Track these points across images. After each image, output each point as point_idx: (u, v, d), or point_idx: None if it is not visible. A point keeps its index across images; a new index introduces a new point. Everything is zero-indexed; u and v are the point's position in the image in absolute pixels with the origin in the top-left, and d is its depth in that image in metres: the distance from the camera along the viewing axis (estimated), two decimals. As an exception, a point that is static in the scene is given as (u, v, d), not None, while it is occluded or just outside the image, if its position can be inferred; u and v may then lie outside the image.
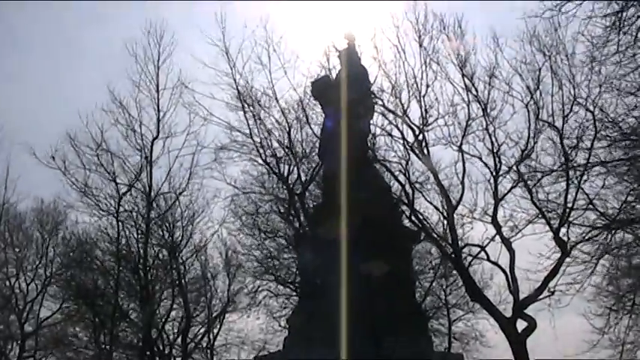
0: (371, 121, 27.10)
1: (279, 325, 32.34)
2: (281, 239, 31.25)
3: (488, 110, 26.74)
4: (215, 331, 33.41)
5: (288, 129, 29.67)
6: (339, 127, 26.61)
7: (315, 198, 29.87)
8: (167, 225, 30.81)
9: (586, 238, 25.92)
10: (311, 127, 28.96)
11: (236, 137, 30.00)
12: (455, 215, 26.93)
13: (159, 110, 30.71)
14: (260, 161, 30.47)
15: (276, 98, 29.86)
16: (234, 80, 29.70)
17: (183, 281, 31.21)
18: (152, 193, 30.28)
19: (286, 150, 29.75)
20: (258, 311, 33.51)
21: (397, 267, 25.48)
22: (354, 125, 26.55)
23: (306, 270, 27.66)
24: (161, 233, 31.05)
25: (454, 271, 32.28)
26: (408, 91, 27.18)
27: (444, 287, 35.54)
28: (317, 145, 28.42)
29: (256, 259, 31.97)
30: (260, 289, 32.92)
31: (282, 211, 30.97)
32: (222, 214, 32.65)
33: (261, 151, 29.95)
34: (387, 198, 27.29)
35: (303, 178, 30.04)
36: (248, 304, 33.29)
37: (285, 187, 30.33)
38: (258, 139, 29.88)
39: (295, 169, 30.00)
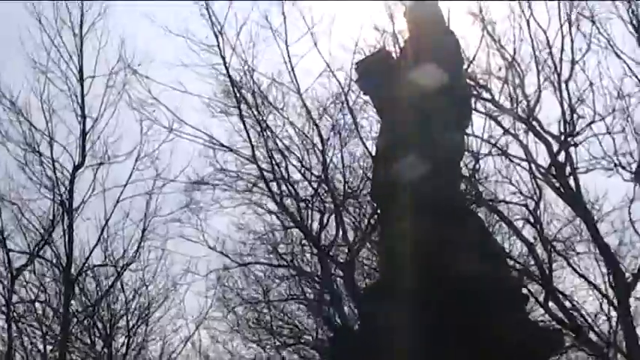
0: (469, 132, 16.78)
1: None
2: (311, 348, 19.10)
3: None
4: None
5: (321, 146, 18.35)
6: (410, 144, 16.08)
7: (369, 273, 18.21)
8: (96, 329, 18.71)
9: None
10: (363, 142, 18.34)
11: (225, 163, 18.30)
12: (632, 300, 17.16)
13: (84, 118, 18.48)
14: (271, 205, 18.77)
15: (298, 91, 18.47)
16: (223, 60, 18.33)
17: None
18: (73, 268, 18.08)
19: (319, 183, 18.13)
20: None
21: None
22: (440, 140, 15.84)
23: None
24: (88, 340, 18.95)
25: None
26: (538, 75, 17.69)
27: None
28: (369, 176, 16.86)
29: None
30: None
31: (310, 296, 18.95)
32: (200, 306, 20.70)
33: (269, 184, 18.17)
34: (505, 276, 17.07)
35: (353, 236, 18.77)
36: None
37: (315, 251, 18.39)
38: (263, 166, 18.29)
39: (329, 218, 18.46)
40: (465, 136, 16.61)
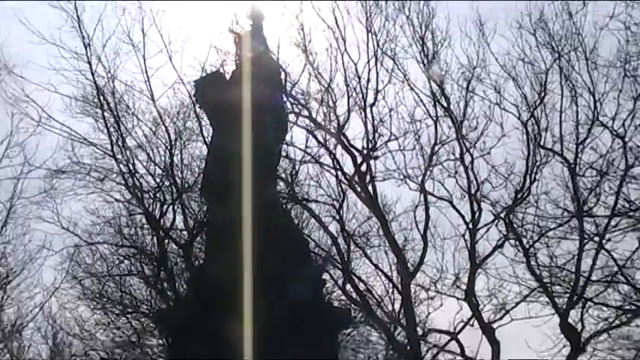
0: (285, 142, 19.27)
1: None
2: (144, 317, 21.78)
3: (465, 131, 20.11)
4: None
5: (169, 143, 21.35)
6: (233, 149, 18.64)
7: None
8: None
9: (610, 327, 19.40)
10: (206, 142, 21.04)
11: (81, 157, 21.37)
12: (412, 286, 20.35)
13: None
14: (117, 195, 21.92)
15: (152, 97, 21.35)
16: (89, 65, 20.99)
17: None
18: None
19: (162, 177, 21.47)
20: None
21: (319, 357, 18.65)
22: (259, 148, 18.45)
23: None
24: None
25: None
26: (348, 99, 20.28)
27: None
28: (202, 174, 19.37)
29: (103, 347, 22.56)
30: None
31: (147, 272, 21.64)
32: (53, 277, 22.91)
33: (122, 177, 21.51)
34: (304, 263, 19.74)
35: (190, 222, 21.59)
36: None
37: (154, 234, 21.18)
38: (117, 160, 21.30)
39: (173, 207, 21.69)
40: (285, 145, 19.83)
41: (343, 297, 20.69)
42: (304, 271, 18.00)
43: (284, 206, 19.18)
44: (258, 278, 14.81)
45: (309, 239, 19.91)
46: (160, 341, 21.57)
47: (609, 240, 19.11)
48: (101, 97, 20.85)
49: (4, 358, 22.66)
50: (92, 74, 21.00)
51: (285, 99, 19.91)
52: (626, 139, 18.75)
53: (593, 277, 19.18)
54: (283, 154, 20.26)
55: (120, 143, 20.94)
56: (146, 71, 21.15)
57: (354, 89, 20.24)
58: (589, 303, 19.36)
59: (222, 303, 15.75)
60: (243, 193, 16.56)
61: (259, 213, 15.99)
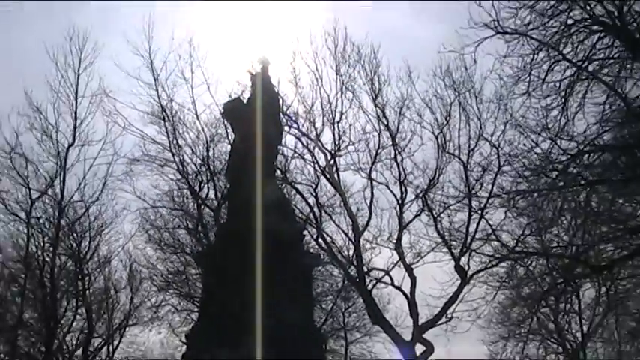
0: (281, 145, 25.98)
1: (180, 341, 30.79)
2: (188, 255, 30.15)
3: (398, 140, 26.71)
4: (115, 343, 31.87)
5: (206, 143, 28.69)
6: (248, 149, 26.84)
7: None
8: (75, 235, 29.25)
9: (485, 267, 26.00)
10: (230, 143, 28.12)
11: (149, 151, 28.96)
12: (361, 240, 26.79)
13: (76, 117, 29.04)
14: (171, 176, 29.48)
15: (196, 113, 28.83)
16: (157, 92, 28.62)
17: (87, 292, 29.77)
18: (64, 202, 28.72)
19: (201, 165, 28.89)
20: (160, 326, 31.89)
21: (298, 289, 25.99)
22: (263, 148, 26.68)
23: (208, 286, 27.27)
24: (69, 243, 29.48)
25: (355, 294, 32.01)
26: (323, 117, 27.05)
27: (344, 310, 35.10)
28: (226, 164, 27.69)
29: (161, 274, 30.76)
30: (163, 303, 31.56)
31: (190, 226, 30.02)
32: (130, 228, 31.37)
33: (175, 165, 28.99)
34: (291, 221, 27.37)
35: (219, 195, 29.02)
36: (150, 318, 31.65)
37: (195, 202, 29.54)
38: (173, 153, 28.97)
39: (207, 185, 29.19)
40: (281, 146, 27.38)
41: (316, 246, 27.10)
42: (291, 228, 26.09)
43: (279, 186, 27.31)
44: (261, 230, 23.07)
45: (295, 208, 26.83)
46: (198, 271, 28.69)
47: (487, 213, 25.54)
48: (163, 112, 28.37)
49: (100, 280, 31.17)
50: (158, 97, 28.48)
51: (281, 116, 26.44)
52: (500, 148, 24.83)
53: (477, 236, 25.58)
54: (280, 152, 26.43)
55: (174, 142, 28.49)
56: (192, 95, 28.68)
57: (327, 111, 26.86)
58: (473, 252, 25.66)
59: (236, 245, 23.98)
60: (255, 177, 24.91)
61: (263, 190, 24.13)
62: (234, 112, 26.41)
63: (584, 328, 33.75)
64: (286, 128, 26.91)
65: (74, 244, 29.40)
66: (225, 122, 26.84)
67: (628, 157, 18.81)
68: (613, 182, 18.86)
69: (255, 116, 25.23)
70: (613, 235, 20.06)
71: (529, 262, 26.75)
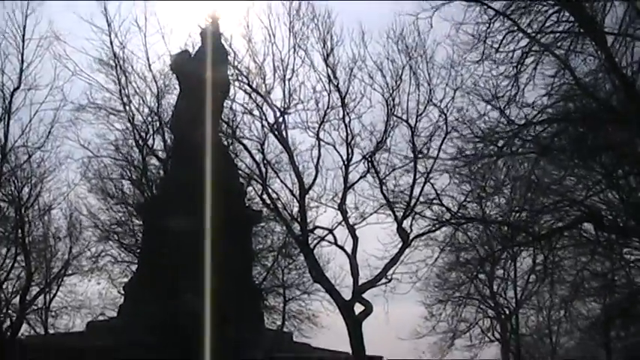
0: (229, 99, 27.12)
1: (118, 292, 31.04)
2: (131, 206, 30.07)
3: (347, 101, 26.79)
4: (53, 292, 31.68)
5: (157, 94, 28.99)
6: (193, 103, 26.87)
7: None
8: (17, 181, 28.56)
9: (428, 231, 26.41)
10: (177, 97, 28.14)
11: (96, 99, 28.81)
12: (306, 198, 27.01)
13: (23, 60, 28.10)
14: (118, 125, 29.45)
15: (148, 63, 29.18)
16: (110, 38, 28.88)
17: (26, 240, 29.41)
18: (6, 147, 28.03)
19: (148, 116, 28.91)
20: (99, 276, 31.97)
21: (237, 245, 26.24)
22: (208, 102, 26.73)
23: (149, 238, 27.45)
24: (10, 189, 28.97)
25: (296, 252, 32.33)
26: (274, 74, 26.91)
27: (284, 267, 35.40)
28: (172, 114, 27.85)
29: (102, 224, 30.71)
30: (103, 254, 31.62)
31: (135, 177, 29.90)
32: (73, 177, 30.95)
33: (124, 114, 28.99)
34: (235, 177, 27.61)
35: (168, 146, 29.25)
36: (90, 269, 31.68)
37: (140, 153, 29.44)
38: (123, 102, 28.97)
39: (154, 136, 29.25)
40: (230, 101, 27.50)
41: (261, 202, 27.53)
42: (235, 183, 26.30)
43: (225, 141, 27.39)
44: (205, 184, 23.23)
45: (242, 163, 27.18)
46: (140, 222, 28.89)
47: (431, 177, 25.83)
48: (115, 59, 28.33)
49: (40, 228, 30.37)
50: (111, 44, 28.60)
51: (231, 71, 26.85)
52: (448, 114, 25.23)
53: (421, 200, 25.84)
54: (228, 107, 27.33)
55: (124, 91, 28.64)
56: (145, 44, 29.07)
57: (278, 68, 26.62)
58: (416, 216, 25.95)
59: (179, 198, 24.04)
60: (200, 131, 24.96)
61: (208, 145, 24.24)
62: (182, 65, 26.75)
63: (518, 295, 34.80)
64: (236, 83, 27.10)
65: (15, 191, 28.85)
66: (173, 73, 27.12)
67: (573, 130, 19.31)
68: (557, 154, 19.34)
69: (202, 70, 25.68)
70: (553, 206, 20.56)
71: (469, 228, 28.21)
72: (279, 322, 34.27)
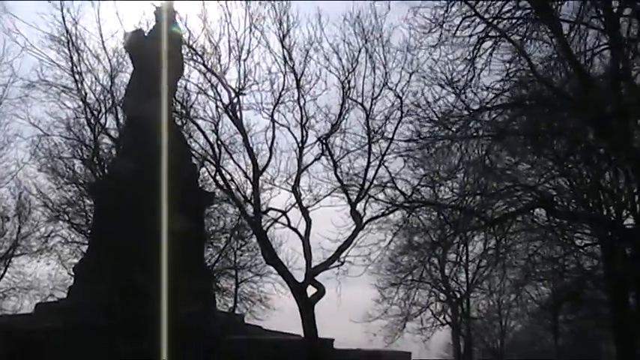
0: (181, 79, 26.98)
1: (68, 273, 30.68)
2: (82, 186, 29.63)
3: (302, 83, 26.60)
4: (0, 273, 31.18)
5: (110, 72, 28.46)
6: (146, 82, 26.60)
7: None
8: None
9: (382, 214, 26.46)
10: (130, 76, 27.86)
11: (47, 76, 28.28)
12: (260, 180, 26.80)
13: None
14: (69, 104, 28.96)
15: (102, 40, 28.85)
16: (62, 13, 28.35)
17: (-27, 219, 28.94)
18: None
19: (100, 94, 28.48)
20: (49, 257, 31.62)
21: (189, 226, 26.10)
22: (162, 82, 26.46)
23: (100, 218, 27.22)
24: None
25: (248, 234, 32.22)
26: (229, 54, 26.47)
27: (236, 249, 35.33)
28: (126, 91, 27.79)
29: (52, 204, 30.21)
30: (53, 234, 31.19)
31: (86, 157, 29.46)
32: (22, 155, 30.64)
33: (76, 92, 28.48)
34: (187, 158, 27.45)
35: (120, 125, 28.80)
36: (39, 249, 31.28)
37: (92, 132, 29.03)
38: (75, 80, 28.40)
39: (106, 115, 28.84)
40: (184, 80, 27.31)
41: (214, 184, 27.20)
42: (187, 165, 26.08)
43: (177, 121, 27.15)
44: (157, 165, 23.08)
45: (195, 143, 27.01)
46: (92, 202, 28.79)
47: (386, 161, 25.74)
48: (68, 35, 27.78)
49: None
50: (63, 19, 28.06)
51: (186, 50, 26.38)
52: (403, 98, 25.16)
53: (375, 183, 25.81)
54: (182, 86, 27.16)
55: (76, 69, 28.27)
56: (99, 21, 28.64)
57: (234, 48, 26.09)
58: (370, 199, 25.81)
59: (131, 179, 23.86)
60: (152, 111, 24.82)
61: (159, 126, 24.07)
62: (135, 44, 26.45)
63: (470, 279, 35.27)
64: (191, 63, 26.74)
65: (-40, 170, 28.19)
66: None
67: (527, 116, 19.52)
68: (511, 140, 19.55)
69: (156, 49, 25.42)
70: (506, 191, 20.76)
71: (421, 212, 28.27)
72: (230, 304, 34.19)
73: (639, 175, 18.24)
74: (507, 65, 17.90)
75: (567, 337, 37.10)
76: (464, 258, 34.80)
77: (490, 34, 17.90)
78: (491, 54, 17.92)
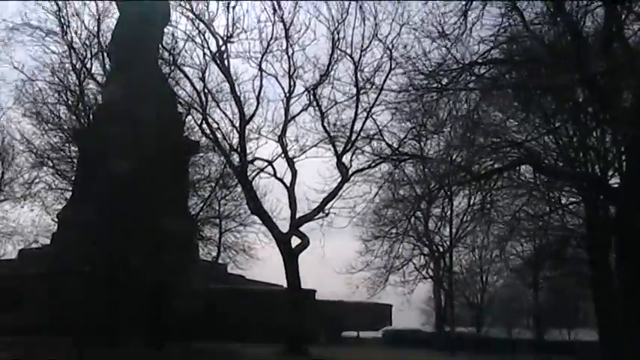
0: (168, 26, 27.21)
1: (52, 220, 30.43)
2: (67, 132, 29.17)
3: (291, 33, 26.58)
4: (-16, 219, 30.85)
5: (97, 17, 27.80)
6: (133, 27, 26.33)
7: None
8: None
9: (368, 166, 26.84)
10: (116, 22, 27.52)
11: (30, 20, 27.78)
12: (247, 129, 27.04)
13: None
14: (53, 48, 28.39)
15: None
16: None
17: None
18: None
19: (86, 38, 27.98)
20: (32, 203, 30.61)
21: (174, 174, 26.05)
22: (149, 28, 26.22)
23: (85, 165, 27.08)
24: None
25: (233, 183, 32.34)
26: (218, 1, 27.19)
27: (220, 198, 35.18)
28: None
29: (36, 149, 29.73)
30: (37, 180, 30.75)
31: (71, 102, 28.99)
32: (6, 100, 30.16)
33: (61, 35, 28.01)
34: (173, 105, 27.28)
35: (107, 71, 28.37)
36: (22, 195, 30.67)
37: (78, 78, 28.58)
38: (60, 24, 27.85)
39: (92, 60, 28.34)
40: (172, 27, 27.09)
41: (200, 132, 27.46)
42: (173, 113, 25.87)
43: (164, 68, 26.88)
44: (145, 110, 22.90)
45: (180, 91, 27.45)
46: (77, 148, 28.67)
47: (373, 113, 26.09)
48: None
49: None
50: None
51: None
52: (393, 50, 25.13)
53: (362, 135, 26.19)
54: (170, 33, 27.14)
55: (62, 12, 27.21)
56: None
57: None
58: (357, 151, 26.32)
59: (117, 126, 23.72)
60: (143, 53, 24.51)
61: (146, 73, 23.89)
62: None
63: (453, 234, 35.42)
64: (179, 9, 26.62)
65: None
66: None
67: (517, 73, 19.38)
68: (499, 96, 19.42)
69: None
70: (493, 147, 20.68)
71: (407, 165, 28.83)
72: (214, 253, 34.08)
73: (626, 135, 18.16)
74: (500, 20, 17.60)
75: (547, 293, 37.43)
76: (448, 213, 34.78)
77: (484, -14, 17.54)
78: (484, 7, 17.62)
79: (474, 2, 17.59)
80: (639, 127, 16.78)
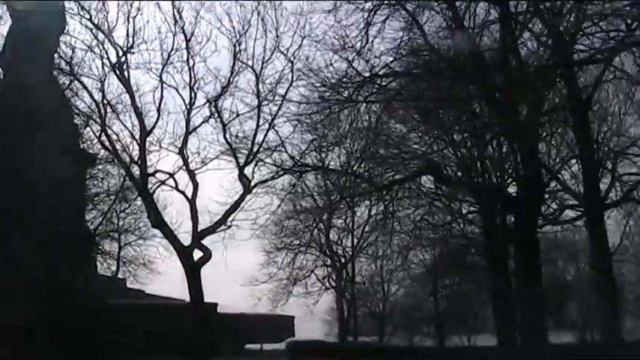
0: (65, 35, 26.21)
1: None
2: None
3: (192, 44, 26.13)
4: None
5: None
6: (25, 35, 25.63)
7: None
8: None
9: (272, 178, 26.62)
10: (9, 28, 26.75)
11: None
12: (147, 141, 26.22)
13: None
14: None
15: None
16: None
17: None
18: None
19: None
20: None
21: (70, 187, 25.45)
22: (41, 36, 25.60)
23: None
24: None
25: (133, 196, 31.89)
26: (118, 11, 25.76)
27: (119, 211, 34.70)
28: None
29: None
30: None
31: None
32: None
33: None
34: (68, 117, 26.66)
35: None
36: None
37: None
38: None
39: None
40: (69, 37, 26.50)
41: (99, 145, 26.48)
42: (68, 126, 25.24)
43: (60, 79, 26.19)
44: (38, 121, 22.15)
45: (78, 102, 26.85)
46: None
47: (275, 125, 25.52)
48: None
49: None
50: None
51: (70, 5, 25.57)
52: (295, 62, 24.48)
53: (263, 147, 25.66)
54: (67, 43, 26.22)
55: None
56: None
57: (122, 5, 25.46)
58: (259, 162, 25.81)
59: (11, 137, 22.85)
60: (36, 63, 23.84)
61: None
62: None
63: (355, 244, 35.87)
64: (77, 18, 25.85)
65: None
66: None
67: (416, 85, 19.90)
68: (400, 108, 19.94)
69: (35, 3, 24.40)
70: (394, 159, 21.16)
71: (308, 177, 28.95)
72: (113, 268, 33.63)
73: (522, 146, 18.84)
74: (401, 34, 18.05)
75: (447, 300, 38.32)
76: (350, 224, 35.22)
77: (385, 1, 17.95)
78: (384, 21, 18.02)
79: (375, 15, 17.88)
80: (534, 139, 17.43)
